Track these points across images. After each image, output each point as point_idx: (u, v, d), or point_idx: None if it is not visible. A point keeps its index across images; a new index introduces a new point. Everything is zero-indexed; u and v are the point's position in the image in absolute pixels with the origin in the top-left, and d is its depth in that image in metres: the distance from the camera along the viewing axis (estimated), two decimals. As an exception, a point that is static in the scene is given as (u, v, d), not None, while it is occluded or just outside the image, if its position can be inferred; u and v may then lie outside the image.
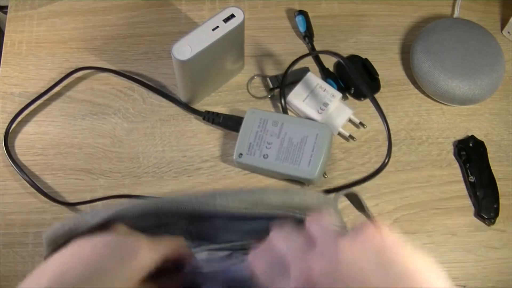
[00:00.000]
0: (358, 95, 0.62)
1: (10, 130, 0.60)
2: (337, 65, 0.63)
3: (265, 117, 0.56)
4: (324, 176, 0.57)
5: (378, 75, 0.62)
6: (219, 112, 0.60)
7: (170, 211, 0.39)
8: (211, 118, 0.59)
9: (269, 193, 0.39)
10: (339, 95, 0.59)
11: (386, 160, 0.56)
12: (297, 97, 0.59)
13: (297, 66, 0.63)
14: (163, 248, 0.34)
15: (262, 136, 0.55)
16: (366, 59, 0.63)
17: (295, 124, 0.56)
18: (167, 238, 0.35)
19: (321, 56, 0.63)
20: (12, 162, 0.58)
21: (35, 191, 0.56)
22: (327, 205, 0.42)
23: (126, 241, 0.32)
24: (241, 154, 0.55)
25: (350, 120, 0.60)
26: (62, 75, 0.62)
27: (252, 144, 0.55)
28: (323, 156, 0.54)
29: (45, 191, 0.56)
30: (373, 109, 0.61)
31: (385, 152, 0.57)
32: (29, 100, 0.61)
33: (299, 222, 0.36)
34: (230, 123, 0.59)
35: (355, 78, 0.60)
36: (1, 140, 0.59)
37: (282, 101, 0.60)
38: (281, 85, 0.61)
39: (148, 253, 0.32)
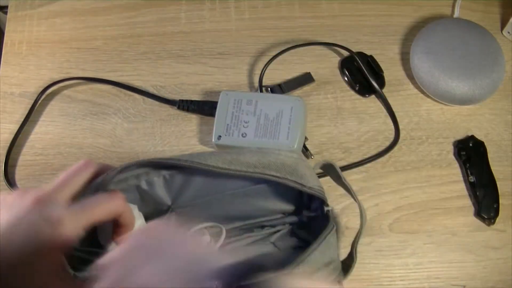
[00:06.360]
0: (363, 92, 0.62)
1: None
2: (342, 62, 0.63)
3: (239, 97, 0.57)
4: (312, 157, 0.58)
5: (382, 72, 0.62)
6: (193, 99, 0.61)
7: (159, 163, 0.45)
8: (185, 106, 0.60)
9: (245, 153, 0.44)
10: None
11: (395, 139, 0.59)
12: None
13: (299, 72, 0.63)
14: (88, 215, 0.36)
15: (238, 116, 0.56)
16: (371, 56, 0.63)
17: (269, 100, 0.56)
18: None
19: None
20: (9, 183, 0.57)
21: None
22: (301, 161, 0.46)
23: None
24: (219, 136, 0.55)
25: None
26: (62, 75, 0.62)
27: (230, 125, 0.56)
28: (300, 127, 0.55)
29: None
30: (373, 108, 0.61)
31: (385, 152, 0.58)
32: (29, 100, 0.61)
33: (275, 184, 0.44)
34: (205, 108, 0.60)
35: (367, 71, 0.61)
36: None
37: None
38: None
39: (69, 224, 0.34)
